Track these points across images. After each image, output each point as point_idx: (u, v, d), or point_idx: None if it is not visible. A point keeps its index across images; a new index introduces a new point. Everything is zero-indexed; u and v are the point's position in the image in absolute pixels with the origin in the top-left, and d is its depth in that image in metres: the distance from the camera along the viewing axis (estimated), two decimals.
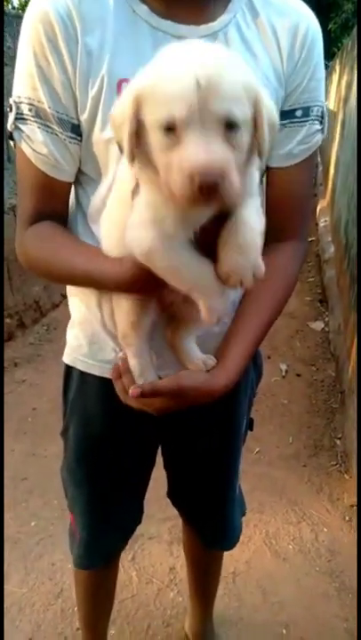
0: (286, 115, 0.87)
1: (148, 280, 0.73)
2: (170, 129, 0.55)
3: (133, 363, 0.85)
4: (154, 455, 1.16)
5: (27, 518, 2.00)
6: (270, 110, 0.64)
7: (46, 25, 0.77)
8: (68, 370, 1.04)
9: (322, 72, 0.89)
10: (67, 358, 1.03)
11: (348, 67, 4.75)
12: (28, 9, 0.80)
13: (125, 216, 0.71)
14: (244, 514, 1.32)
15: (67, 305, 1.04)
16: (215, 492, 1.20)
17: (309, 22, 0.86)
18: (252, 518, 2.01)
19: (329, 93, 8.81)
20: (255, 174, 0.71)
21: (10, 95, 0.83)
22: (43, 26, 0.77)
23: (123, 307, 0.84)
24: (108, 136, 0.79)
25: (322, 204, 6.19)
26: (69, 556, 1.24)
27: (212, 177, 0.53)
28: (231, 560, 1.83)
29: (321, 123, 0.89)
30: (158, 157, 0.58)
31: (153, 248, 0.67)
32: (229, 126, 0.56)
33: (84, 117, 0.80)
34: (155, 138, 0.58)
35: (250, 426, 1.18)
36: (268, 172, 0.92)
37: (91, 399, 1.02)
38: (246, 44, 0.83)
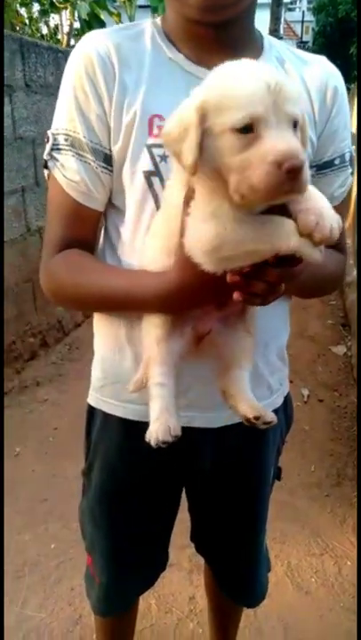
0: (327, 164, 0.93)
1: (193, 289, 0.74)
2: (246, 129, 0.59)
3: (153, 401, 0.80)
4: (178, 499, 1.13)
5: (46, 541, 2.00)
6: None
7: (87, 63, 0.83)
8: (91, 410, 1.03)
9: (348, 119, 0.95)
10: (91, 399, 1.03)
11: None
12: (72, 53, 0.87)
13: (173, 228, 0.73)
14: (269, 569, 1.28)
15: (89, 324, 1.03)
16: (240, 546, 1.16)
17: (337, 77, 0.93)
18: (274, 548, 1.97)
19: (351, 117, 8.85)
20: None
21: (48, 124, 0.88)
22: (84, 64, 0.83)
23: (153, 320, 0.82)
24: (145, 168, 0.83)
25: (345, 226, 6.17)
26: None
27: (298, 160, 0.58)
28: None
29: (351, 166, 0.96)
30: (230, 159, 0.61)
31: (220, 234, 0.65)
32: (294, 125, 0.62)
33: (116, 148, 0.84)
34: (227, 141, 0.61)
35: (278, 475, 1.16)
36: None
37: (114, 442, 1.00)
38: None
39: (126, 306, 0.86)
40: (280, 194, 0.61)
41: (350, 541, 2.01)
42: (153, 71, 0.84)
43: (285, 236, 0.64)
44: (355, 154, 0.96)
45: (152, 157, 0.82)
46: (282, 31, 17.75)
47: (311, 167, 0.92)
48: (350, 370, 3.32)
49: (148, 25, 0.89)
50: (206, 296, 0.77)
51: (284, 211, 0.66)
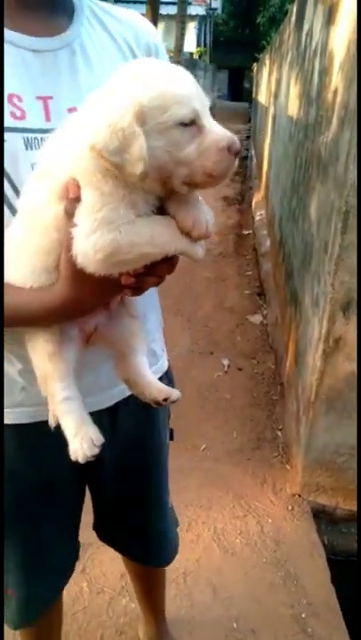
0: None
1: (86, 299, 0.73)
2: (188, 123, 0.63)
3: (64, 418, 0.77)
4: (84, 488, 1.11)
5: None
6: None
7: None
8: None
9: None
10: None
11: (277, 64, 4.88)
12: None
13: (46, 244, 0.71)
14: (177, 525, 1.33)
15: None
16: (146, 514, 1.18)
17: (154, 32, 0.93)
18: (201, 515, 2.05)
19: (260, 87, 9.00)
20: None
21: None
22: None
23: (39, 339, 0.78)
24: None
25: (257, 198, 6.35)
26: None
27: (239, 143, 0.66)
28: (181, 560, 1.85)
29: None
30: (180, 152, 0.64)
31: (116, 239, 0.65)
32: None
33: None
34: (174, 136, 0.63)
35: (171, 436, 1.20)
36: None
37: (9, 450, 0.93)
38: (104, 52, 0.84)
39: (10, 323, 0.78)
40: (228, 175, 0.66)
41: (270, 500, 2.13)
42: None
43: (172, 240, 0.68)
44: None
45: None
46: None
47: None
48: (266, 337, 3.47)
49: None
50: (99, 301, 0.77)
51: (162, 209, 0.69)
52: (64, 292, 0.72)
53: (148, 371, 0.86)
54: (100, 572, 1.80)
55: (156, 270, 0.70)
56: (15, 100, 0.74)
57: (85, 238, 0.65)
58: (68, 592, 1.73)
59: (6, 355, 0.86)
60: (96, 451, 0.76)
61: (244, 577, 1.80)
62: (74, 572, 1.19)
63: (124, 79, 0.64)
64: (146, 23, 0.92)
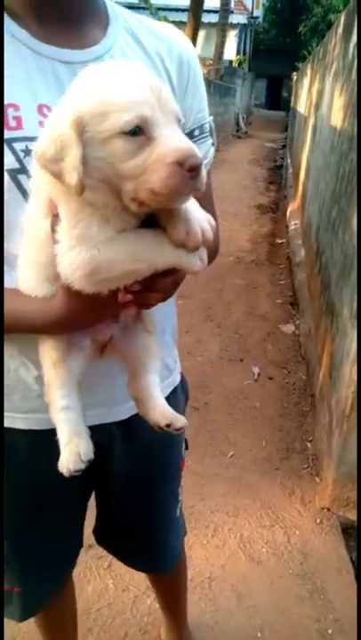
0: (187, 136, 0.90)
1: (81, 314, 0.72)
2: (135, 132, 0.57)
3: (59, 426, 0.76)
4: (90, 492, 1.11)
5: None
6: None
7: None
8: None
9: (204, 89, 0.93)
10: None
11: (320, 74, 4.85)
12: None
13: (46, 257, 0.69)
14: (185, 534, 1.30)
15: None
16: (153, 522, 1.16)
17: (190, 47, 0.91)
18: (227, 522, 2.04)
19: (300, 97, 8.96)
20: None
21: None
22: None
23: (47, 343, 0.77)
24: (8, 166, 0.73)
25: (292, 207, 6.31)
26: None
27: (198, 157, 0.56)
28: (207, 565, 1.86)
29: (211, 136, 0.93)
30: (123, 165, 0.58)
31: (94, 257, 0.62)
32: (179, 122, 0.62)
33: None
34: (116, 146, 0.57)
35: (185, 446, 1.18)
36: None
37: (19, 456, 0.92)
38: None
39: (17, 329, 0.78)
40: (182, 195, 0.59)
41: (298, 511, 2.11)
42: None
43: (159, 253, 0.63)
44: (213, 124, 0.93)
45: (14, 153, 0.73)
46: (232, 5, 17.48)
47: None
48: (298, 347, 3.44)
49: None
50: (98, 316, 0.75)
51: (153, 221, 0.64)
52: (61, 305, 0.72)
53: (158, 392, 0.82)
54: (125, 570, 1.81)
55: (155, 286, 0.67)
56: (45, 111, 0.73)
57: (64, 255, 0.63)
58: (94, 587, 1.76)
59: (23, 360, 0.86)
60: (81, 466, 0.73)
61: (270, 587, 1.79)
62: (76, 560, 1.19)
63: (76, 85, 0.60)
64: (182, 37, 0.90)
